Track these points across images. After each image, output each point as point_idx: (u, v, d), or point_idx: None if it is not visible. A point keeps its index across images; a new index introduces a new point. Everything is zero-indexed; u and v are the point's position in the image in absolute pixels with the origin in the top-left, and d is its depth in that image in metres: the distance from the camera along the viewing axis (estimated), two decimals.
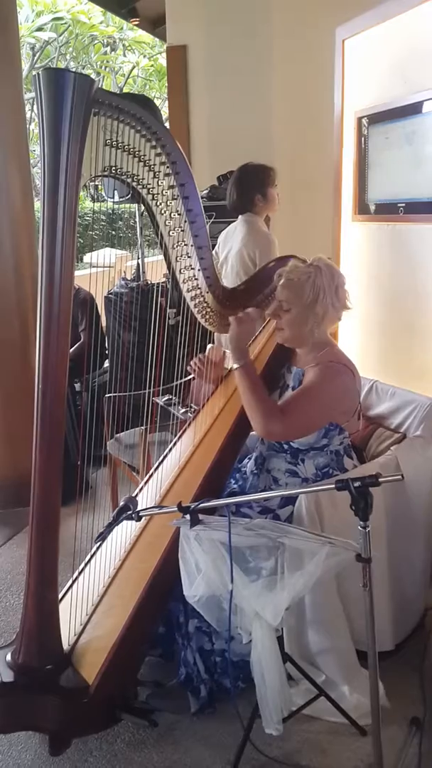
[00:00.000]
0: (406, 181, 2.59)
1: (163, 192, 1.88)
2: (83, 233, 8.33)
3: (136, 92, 12.60)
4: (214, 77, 4.92)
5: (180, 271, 2.05)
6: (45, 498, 1.74)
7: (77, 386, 3.78)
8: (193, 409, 2.61)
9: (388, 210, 2.71)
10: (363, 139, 2.81)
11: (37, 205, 2.53)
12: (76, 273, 1.81)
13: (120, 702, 1.80)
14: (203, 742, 1.90)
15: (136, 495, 2.18)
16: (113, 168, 1.74)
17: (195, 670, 1.98)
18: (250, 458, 2.30)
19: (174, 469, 2.28)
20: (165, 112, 6.16)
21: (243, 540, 1.58)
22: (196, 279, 2.09)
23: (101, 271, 4.77)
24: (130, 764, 1.85)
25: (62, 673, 1.79)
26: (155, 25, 7.00)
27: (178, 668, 2.01)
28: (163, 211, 1.92)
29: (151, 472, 2.37)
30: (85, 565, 2.11)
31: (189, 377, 2.62)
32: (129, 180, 1.81)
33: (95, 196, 3.60)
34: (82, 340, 4.02)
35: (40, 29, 11.38)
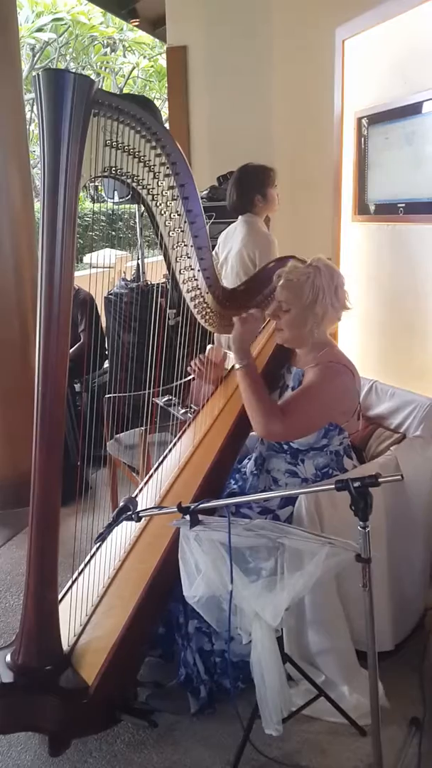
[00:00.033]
0: (405, 181, 2.59)
1: (163, 192, 1.89)
2: (83, 234, 8.34)
3: (136, 93, 12.61)
4: (214, 78, 4.92)
5: (180, 271, 2.05)
6: (45, 498, 1.74)
7: (77, 387, 3.78)
8: (192, 410, 2.61)
9: (387, 210, 2.71)
10: (363, 139, 2.81)
11: (37, 205, 2.54)
12: (76, 273, 1.81)
13: (120, 702, 1.81)
14: (203, 742, 1.90)
15: (136, 495, 2.17)
16: (113, 168, 1.74)
17: (195, 670, 1.98)
18: (249, 459, 2.30)
19: (174, 469, 2.28)
20: (165, 112, 6.16)
21: (243, 540, 1.58)
22: (195, 279, 2.09)
23: (101, 272, 4.77)
24: (129, 765, 1.85)
25: (62, 673, 1.79)
26: (155, 25, 7.01)
27: (178, 669, 2.01)
28: (163, 212, 1.92)
29: (150, 473, 2.37)
30: (85, 565, 2.11)
31: (189, 378, 2.62)
32: (129, 180, 1.81)
33: (95, 197, 3.60)
34: (82, 340, 4.02)
35: (40, 30, 11.38)
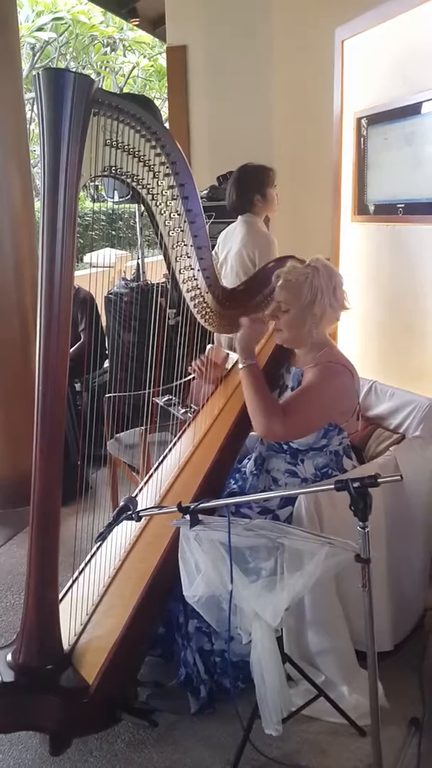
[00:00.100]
0: (405, 181, 2.59)
1: (163, 192, 1.89)
2: (83, 233, 8.33)
3: (136, 92, 12.60)
4: (213, 77, 4.92)
5: (180, 271, 2.05)
6: (45, 498, 1.75)
7: (77, 386, 3.78)
8: (192, 410, 2.61)
9: (387, 210, 2.71)
10: (362, 139, 2.81)
11: (38, 205, 2.54)
12: (77, 273, 1.81)
13: (120, 702, 1.81)
14: (203, 742, 1.91)
15: (136, 495, 2.18)
16: (113, 168, 1.74)
17: (195, 670, 1.98)
18: (249, 459, 2.30)
19: (174, 469, 2.29)
20: (165, 112, 6.16)
21: (243, 540, 1.58)
22: (195, 279, 2.09)
23: (101, 271, 4.77)
24: (130, 764, 1.85)
25: (62, 672, 1.80)
26: (155, 25, 7.01)
27: (178, 668, 2.01)
28: (162, 211, 1.92)
29: (151, 473, 2.37)
30: (86, 565, 2.12)
31: (189, 377, 2.62)
32: (129, 180, 1.81)
33: (95, 196, 3.60)
34: (82, 339, 4.02)
35: (40, 29, 11.37)
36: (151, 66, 14.05)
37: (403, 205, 2.61)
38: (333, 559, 1.50)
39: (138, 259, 4.36)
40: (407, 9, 2.44)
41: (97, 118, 1.64)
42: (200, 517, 1.60)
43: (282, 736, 1.77)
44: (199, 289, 2.12)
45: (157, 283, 3.96)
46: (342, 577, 1.94)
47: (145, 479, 2.36)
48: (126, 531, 2.09)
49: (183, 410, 2.66)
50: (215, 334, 2.40)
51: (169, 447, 2.47)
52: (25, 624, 1.81)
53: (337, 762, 1.83)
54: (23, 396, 2.72)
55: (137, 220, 4.35)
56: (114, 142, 1.70)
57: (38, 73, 1.54)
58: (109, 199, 3.60)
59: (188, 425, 2.50)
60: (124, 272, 4.45)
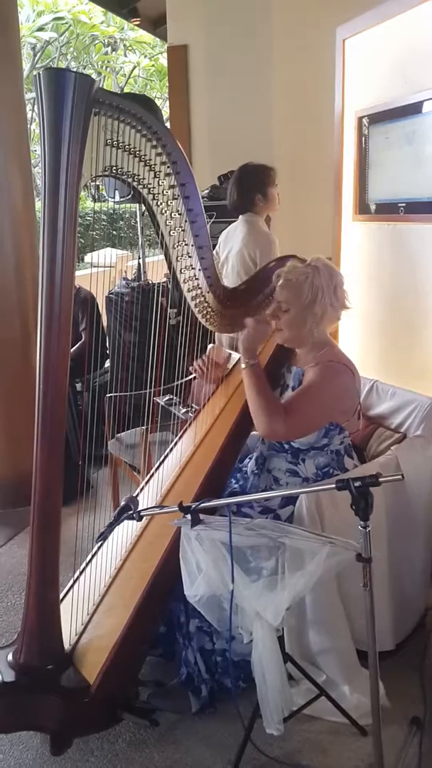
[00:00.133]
0: (406, 180, 2.58)
1: (164, 192, 1.89)
2: (84, 233, 8.33)
3: (137, 92, 12.60)
4: (214, 77, 4.92)
5: (181, 270, 2.05)
6: (46, 497, 1.75)
7: (78, 386, 3.78)
8: (193, 409, 2.61)
9: (388, 210, 2.71)
10: (363, 138, 2.80)
11: (38, 204, 2.54)
12: (77, 273, 1.81)
13: (121, 701, 1.81)
14: (204, 741, 1.91)
15: (137, 495, 2.18)
16: (114, 168, 1.74)
17: (196, 669, 1.98)
18: (250, 458, 2.30)
19: (175, 468, 2.29)
20: (166, 112, 6.16)
21: (244, 540, 1.58)
22: (196, 279, 2.09)
23: (102, 271, 4.77)
24: (131, 764, 1.85)
25: (63, 672, 1.80)
26: (156, 25, 7.01)
27: (179, 668, 2.01)
28: (163, 211, 1.92)
29: (152, 472, 2.37)
30: (87, 564, 2.12)
31: (190, 377, 2.62)
32: (130, 180, 1.81)
33: (96, 196, 3.60)
34: (83, 339, 4.02)
35: (41, 29, 11.36)
36: (152, 66, 14.04)
37: (404, 205, 2.61)
38: (334, 558, 1.50)
39: (139, 258, 4.36)
40: (408, 8, 2.44)
41: (97, 118, 1.64)
42: (201, 516, 1.60)
43: (283, 736, 1.77)
44: (200, 288, 2.12)
45: (158, 283, 3.96)
46: (343, 577, 1.94)
47: (146, 479, 2.36)
48: (127, 531, 2.09)
49: (184, 410, 2.66)
50: (216, 333, 2.39)
51: (170, 447, 2.47)
52: (26, 624, 1.81)
53: (338, 761, 1.83)
54: (24, 396, 2.71)
55: (138, 219, 4.35)
56: (115, 142, 1.70)
57: (39, 73, 1.54)
58: (110, 199, 3.60)
59: (189, 425, 2.50)
60: (125, 272, 4.45)
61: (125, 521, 1.73)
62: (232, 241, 3.34)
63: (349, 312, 2.15)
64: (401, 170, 2.61)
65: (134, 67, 14.11)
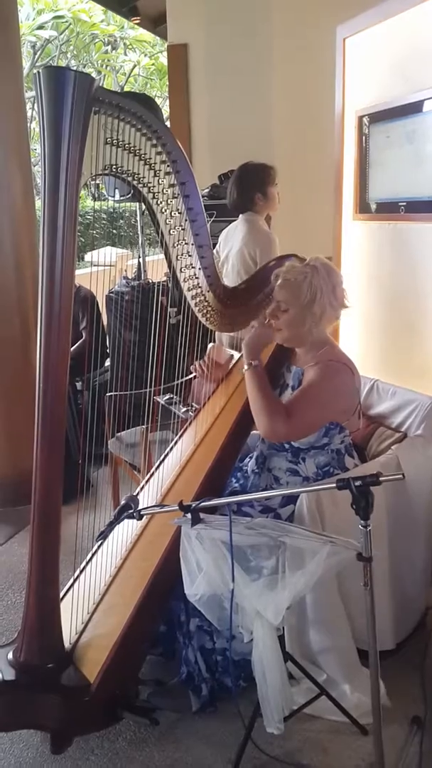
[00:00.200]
0: (407, 180, 2.58)
1: (164, 190, 1.88)
2: (84, 232, 8.33)
3: (137, 91, 12.58)
4: (214, 76, 4.92)
5: (181, 269, 2.05)
6: (46, 496, 1.74)
7: (78, 385, 3.78)
8: (194, 408, 2.61)
9: (389, 209, 2.71)
10: (364, 137, 2.80)
11: (38, 203, 2.54)
12: (78, 272, 1.80)
13: (121, 700, 1.80)
14: (204, 740, 1.91)
15: (138, 494, 2.18)
16: (114, 166, 1.74)
17: (196, 668, 1.98)
18: (251, 457, 2.30)
19: (175, 467, 2.29)
20: (166, 110, 6.15)
21: (244, 539, 1.58)
22: (196, 278, 2.09)
23: (102, 270, 4.77)
24: (131, 762, 1.85)
25: (64, 671, 1.80)
26: (156, 23, 7.00)
27: (180, 667, 2.02)
28: (163, 210, 1.92)
29: (152, 471, 2.37)
30: (87, 563, 2.12)
31: (190, 376, 2.62)
32: (130, 178, 1.81)
33: (96, 195, 3.60)
34: (83, 338, 4.02)
35: (41, 27, 11.35)
36: (152, 64, 14.03)
37: (404, 204, 2.60)
38: (335, 557, 1.50)
39: (139, 257, 4.36)
40: (408, 7, 2.44)
41: (97, 117, 1.63)
42: (201, 515, 1.60)
43: (283, 735, 1.77)
44: (200, 287, 2.12)
45: (158, 282, 3.96)
46: (344, 576, 1.94)
47: (147, 478, 2.36)
48: (127, 529, 2.09)
49: (184, 409, 2.66)
50: (216, 332, 2.39)
51: (171, 446, 2.47)
52: (26, 622, 1.81)
53: (338, 760, 1.83)
54: (24, 394, 2.71)
55: (138, 218, 4.35)
56: (115, 141, 1.70)
57: (39, 72, 1.54)
58: (110, 198, 3.60)
59: (189, 424, 2.50)
60: (125, 271, 4.45)
61: (125, 520, 1.73)
62: (232, 240, 3.34)
63: (349, 311, 2.15)
64: (402, 169, 2.61)
65: (134, 66, 14.10)
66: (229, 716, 1.91)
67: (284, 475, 2.16)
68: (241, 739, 1.81)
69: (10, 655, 1.83)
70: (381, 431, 2.40)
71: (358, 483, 1.42)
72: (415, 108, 2.46)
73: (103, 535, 1.77)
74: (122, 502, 1.74)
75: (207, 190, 4.19)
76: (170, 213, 1.93)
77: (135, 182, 1.82)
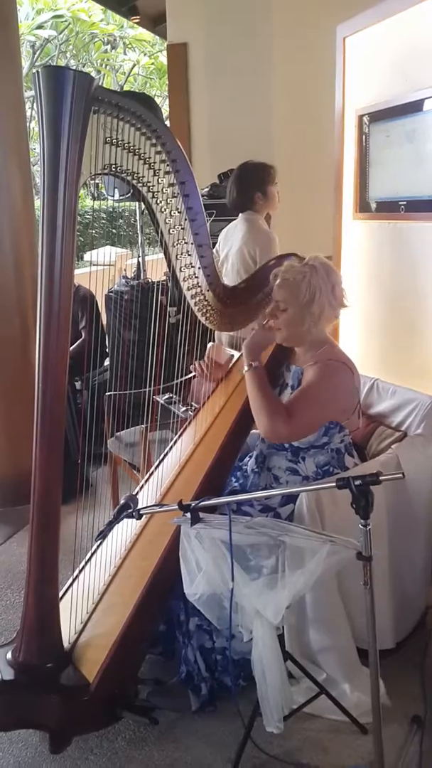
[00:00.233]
0: (407, 179, 2.58)
1: (164, 190, 1.88)
2: (84, 231, 8.33)
3: (137, 90, 12.58)
4: (214, 75, 4.92)
5: (180, 269, 2.05)
6: (45, 496, 1.74)
7: (78, 384, 3.78)
8: (193, 408, 2.61)
9: (389, 208, 2.71)
10: (364, 137, 2.80)
11: (38, 203, 2.53)
12: (77, 271, 1.81)
13: (120, 700, 1.80)
14: (204, 740, 1.91)
15: (137, 493, 2.18)
16: (113, 166, 1.73)
17: (196, 668, 1.98)
18: (250, 456, 2.30)
19: (174, 467, 2.28)
20: (165, 110, 6.15)
21: (244, 538, 1.58)
22: (196, 277, 2.09)
23: (102, 269, 4.77)
24: (130, 762, 1.85)
25: (63, 671, 1.79)
26: (156, 23, 7.00)
27: (179, 666, 2.02)
28: (163, 209, 1.92)
29: (151, 471, 2.37)
30: (86, 563, 2.11)
31: (189, 375, 2.62)
32: (129, 178, 1.80)
33: (96, 194, 3.60)
34: (82, 337, 4.02)
35: (40, 27, 11.35)
36: (152, 64, 14.03)
37: (405, 203, 2.60)
38: (334, 557, 1.50)
39: (138, 257, 4.36)
40: (408, 6, 2.43)
41: (97, 116, 1.63)
42: (201, 515, 1.60)
43: (283, 734, 1.77)
44: (199, 287, 2.12)
45: (158, 281, 3.96)
46: (343, 575, 1.94)
47: (146, 477, 2.35)
48: (127, 529, 2.09)
49: (184, 408, 2.66)
50: (216, 332, 2.39)
51: (170, 445, 2.47)
52: (25, 622, 1.80)
53: (338, 760, 1.83)
54: (23, 394, 2.72)
55: (138, 218, 4.35)
56: (114, 140, 1.70)
57: (38, 71, 1.54)
58: (109, 197, 3.60)
59: (189, 423, 2.50)
60: (125, 270, 4.45)
61: (125, 520, 1.73)
62: (232, 240, 3.34)
63: (349, 310, 2.15)
64: (402, 168, 2.61)
65: (134, 65, 14.10)
66: (229, 715, 1.91)
67: (284, 474, 2.16)
68: (240, 739, 1.81)
69: (9, 655, 1.83)
70: (381, 430, 2.40)
71: (358, 482, 1.42)
72: (415, 107, 2.46)
73: (103, 535, 1.77)
74: (121, 501, 1.74)
75: (206, 190, 4.19)
76: (170, 212, 1.93)
77: (134, 181, 1.82)
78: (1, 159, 3.15)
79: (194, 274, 2.08)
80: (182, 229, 1.97)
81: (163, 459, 2.40)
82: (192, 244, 2.01)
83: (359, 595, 1.53)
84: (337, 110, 2.97)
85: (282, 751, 1.85)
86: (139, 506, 1.74)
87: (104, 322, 4.23)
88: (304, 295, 2.04)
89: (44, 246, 1.61)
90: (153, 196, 1.88)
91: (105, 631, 1.84)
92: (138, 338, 3.64)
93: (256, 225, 3.26)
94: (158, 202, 1.90)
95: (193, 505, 1.59)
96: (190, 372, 2.58)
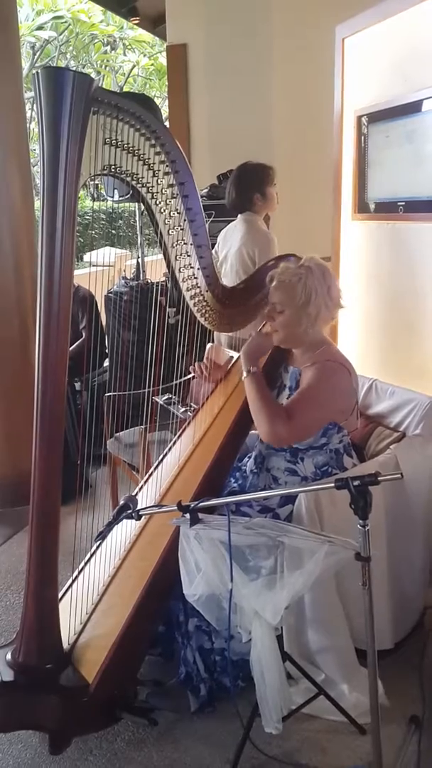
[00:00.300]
0: (406, 179, 2.58)
1: (163, 191, 1.88)
2: (83, 232, 8.33)
3: (136, 91, 12.58)
4: (214, 76, 4.92)
5: (179, 269, 2.05)
6: (45, 496, 1.74)
7: (77, 385, 3.78)
8: (192, 408, 2.61)
9: (387, 209, 2.71)
10: (363, 137, 2.80)
11: (37, 203, 2.54)
12: (77, 272, 1.81)
13: (120, 701, 1.80)
14: (203, 740, 1.91)
15: (136, 494, 2.18)
16: (113, 167, 1.74)
17: (195, 669, 1.98)
18: (249, 457, 2.30)
19: (174, 467, 2.28)
20: (165, 111, 6.15)
21: (242, 539, 1.58)
22: (195, 278, 2.09)
23: (101, 270, 4.76)
24: (130, 763, 1.85)
25: (62, 672, 1.80)
26: (155, 24, 7.00)
27: (178, 667, 2.02)
28: (162, 210, 1.92)
29: (150, 471, 2.37)
30: (85, 564, 2.12)
31: (189, 376, 2.62)
32: (128, 179, 1.81)
33: (95, 195, 3.60)
34: (82, 338, 4.02)
35: (40, 28, 11.35)
36: (152, 65, 14.03)
37: (403, 203, 2.61)
38: (333, 557, 1.50)
39: (138, 257, 4.36)
40: (408, 7, 2.44)
41: (96, 117, 1.63)
42: (200, 515, 1.60)
43: (282, 735, 1.77)
44: (198, 287, 2.12)
45: (157, 282, 3.96)
46: (342, 576, 1.94)
47: (145, 478, 2.36)
48: (126, 530, 2.09)
49: (183, 409, 2.66)
50: (215, 332, 2.39)
51: (169, 446, 2.47)
52: (25, 623, 1.81)
53: (337, 760, 1.83)
54: (23, 395, 2.71)
55: (137, 218, 4.35)
56: (114, 141, 1.70)
57: (38, 72, 1.54)
58: (108, 198, 3.60)
59: (188, 424, 2.50)
60: (124, 271, 4.44)
61: (124, 520, 1.73)
62: (231, 240, 3.34)
63: (348, 311, 2.15)
64: (401, 169, 2.61)
65: (133, 66, 14.10)
66: (228, 716, 1.91)
67: (283, 474, 2.16)
68: (239, 739, 1.81)
69: (9, 656, 1.83)
70: (379, 431, 2.40)
71: (356, 483, 1.42)
72: (414, 108, 2.46)
73: (102, 536, 1.77)
74: (121, 502, 1.74)
75: (206, 190, 4.19)
76: (169, 213, 1.93)
77: (134, 182, 1.83)
78: (0, 160, 3.15)
79: (193, 274, 2.08)
80: (181, 229, 1.97)
81: (162, 460, 2.40)
82: (191, 244, 2.01)
83: (358, 596, 1.53)
84: (336, 111, 2.98)
85: (281, 752, 1.85)
86: (139, 507, 1.74)
87: (104, 322, 4.23)
88: (300, 296, 2.05)
89: (44, 247, 1.61)
90: (152, 197, 1.88)
91: (104, 632, 1.84)
92: (137, 339, 3.64)
93: (255, 226, 3.26)
94: (157, 202, 1.90)
95: (192, 505, 1.60)
96: (190, 373, 2.58)
